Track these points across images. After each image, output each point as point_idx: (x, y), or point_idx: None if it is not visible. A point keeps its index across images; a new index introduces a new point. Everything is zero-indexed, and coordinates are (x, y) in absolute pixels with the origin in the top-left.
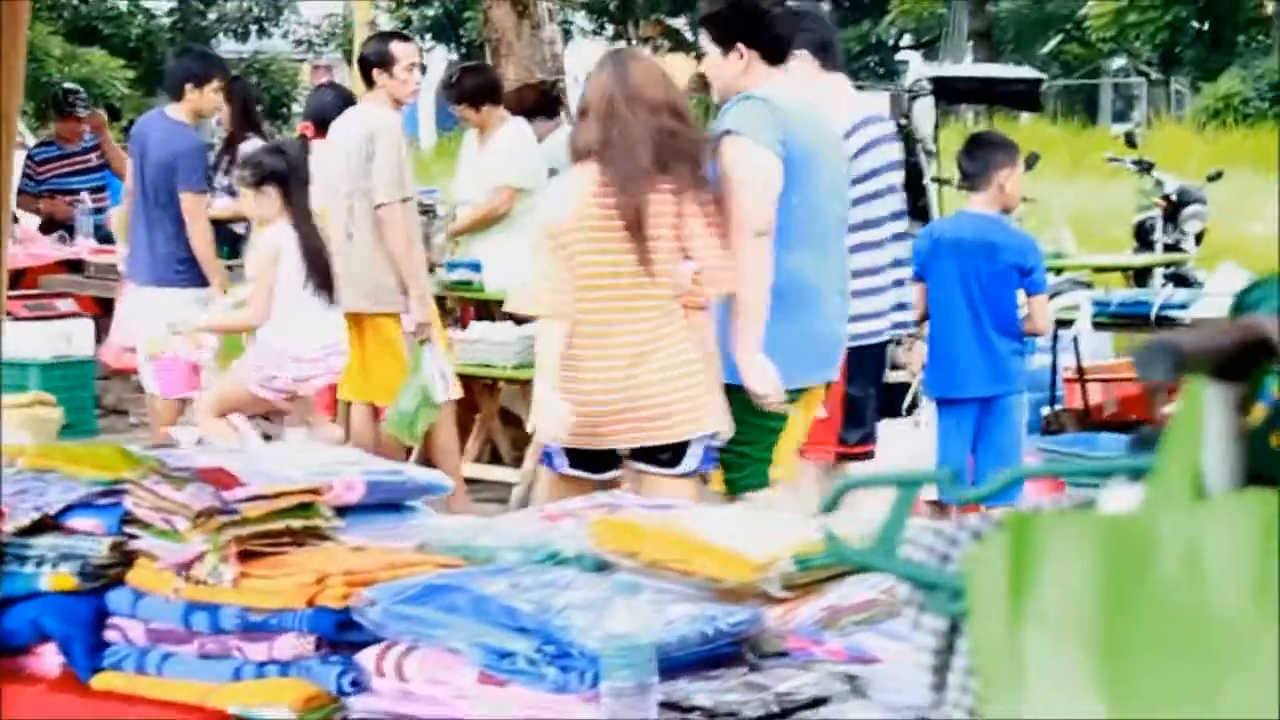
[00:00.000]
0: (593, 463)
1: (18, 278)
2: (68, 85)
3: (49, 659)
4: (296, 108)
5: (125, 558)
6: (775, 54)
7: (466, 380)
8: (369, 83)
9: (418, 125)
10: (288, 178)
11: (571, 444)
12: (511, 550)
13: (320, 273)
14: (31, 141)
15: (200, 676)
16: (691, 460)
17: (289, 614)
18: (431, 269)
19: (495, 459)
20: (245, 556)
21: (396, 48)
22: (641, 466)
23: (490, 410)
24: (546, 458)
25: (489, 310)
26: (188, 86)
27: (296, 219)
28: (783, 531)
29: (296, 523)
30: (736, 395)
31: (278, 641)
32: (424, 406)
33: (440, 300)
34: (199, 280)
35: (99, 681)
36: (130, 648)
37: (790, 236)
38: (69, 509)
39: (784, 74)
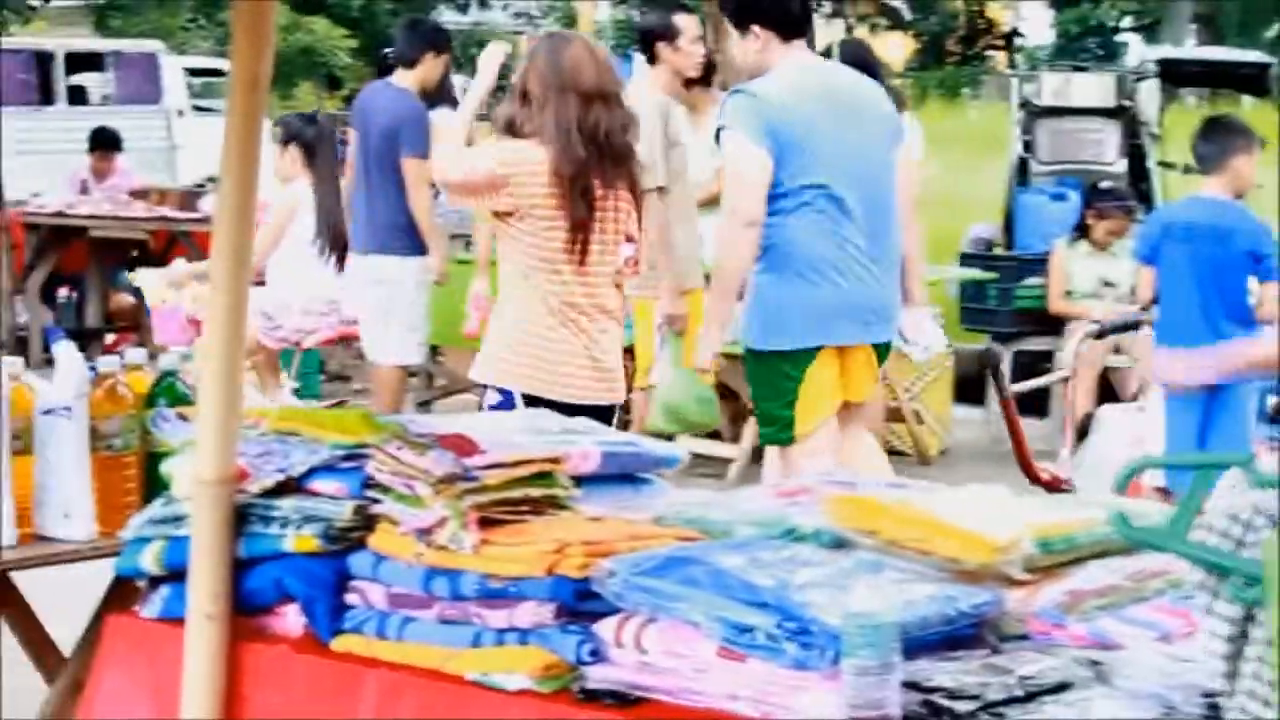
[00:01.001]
0: None
1: None
2: None
3: (291, 619)
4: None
5: (367, 521)
6: (789, 30)
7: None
8: (651, 57)
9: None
10: (312, 143)
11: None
12: (748, 525)
13: (331, 234)
14: None
15: (439, 642)
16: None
17: (529, 582)
18: None
19: (713, 434)
20: (484, 524)
21: (680, 19)
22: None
23: None
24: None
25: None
26: (424, 56)
27: (316, 181)
28: (1024, 513)
29: (536, 491)
30: (755, 357)
31: (517, 609)
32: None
33: None
34: (419, 248)
35: (339, 643)
36: (370, 611)
37: (798, 208)
38: (312, 471)
39: (801, 48)
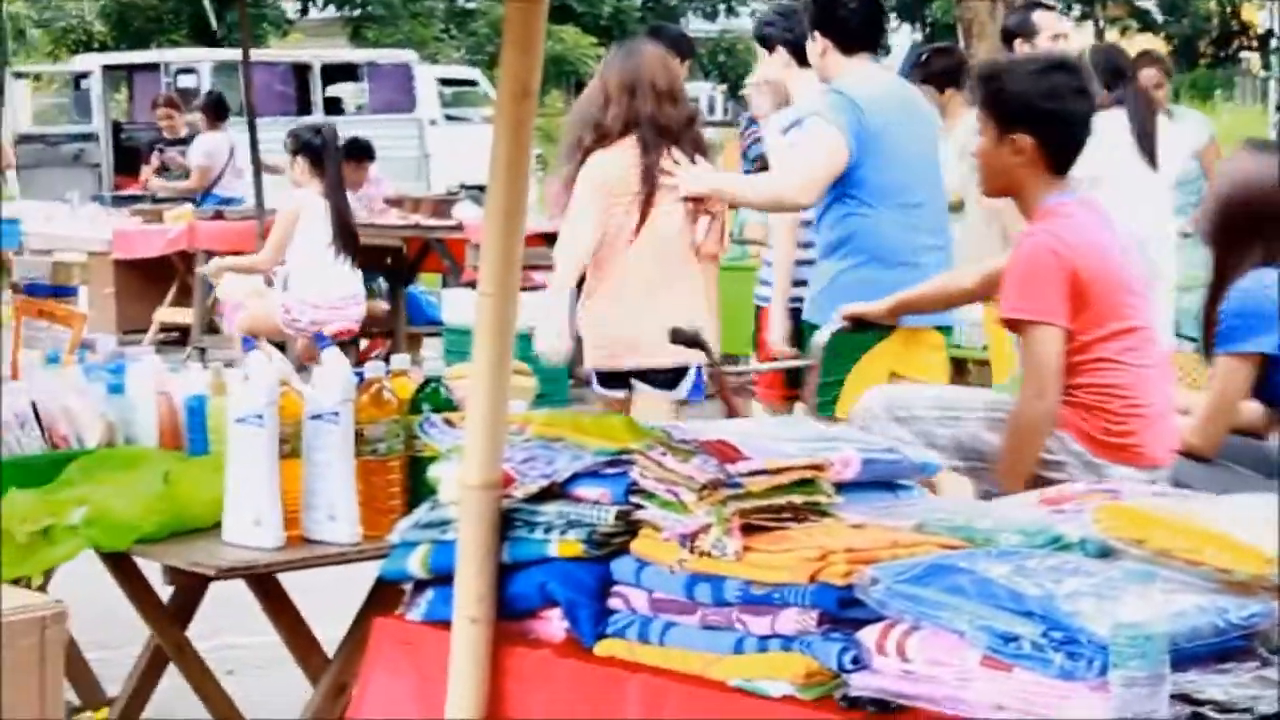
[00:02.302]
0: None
1: None
2: None
3: (554, 624)
4: None
5: (630, 527)
6: (849, 43)
7: None
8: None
9: None
10: (319, 152)
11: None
12: (1013, 533)
13: (345, 237)
14: None
15: (702, 647)
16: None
17: (792, 589)
18: None
19: None
20: (747, 530)
21: (1040, 17)
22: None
23: None
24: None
25: None
26: None
27: (327, 188)
28: None
29: (798, 498)
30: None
31: (780, 616)
32: None
33: None
34: None
35: (602, 648)
36: (633, 616)
37: (880, 202)
38: (576, 477)
39: (861, 62)
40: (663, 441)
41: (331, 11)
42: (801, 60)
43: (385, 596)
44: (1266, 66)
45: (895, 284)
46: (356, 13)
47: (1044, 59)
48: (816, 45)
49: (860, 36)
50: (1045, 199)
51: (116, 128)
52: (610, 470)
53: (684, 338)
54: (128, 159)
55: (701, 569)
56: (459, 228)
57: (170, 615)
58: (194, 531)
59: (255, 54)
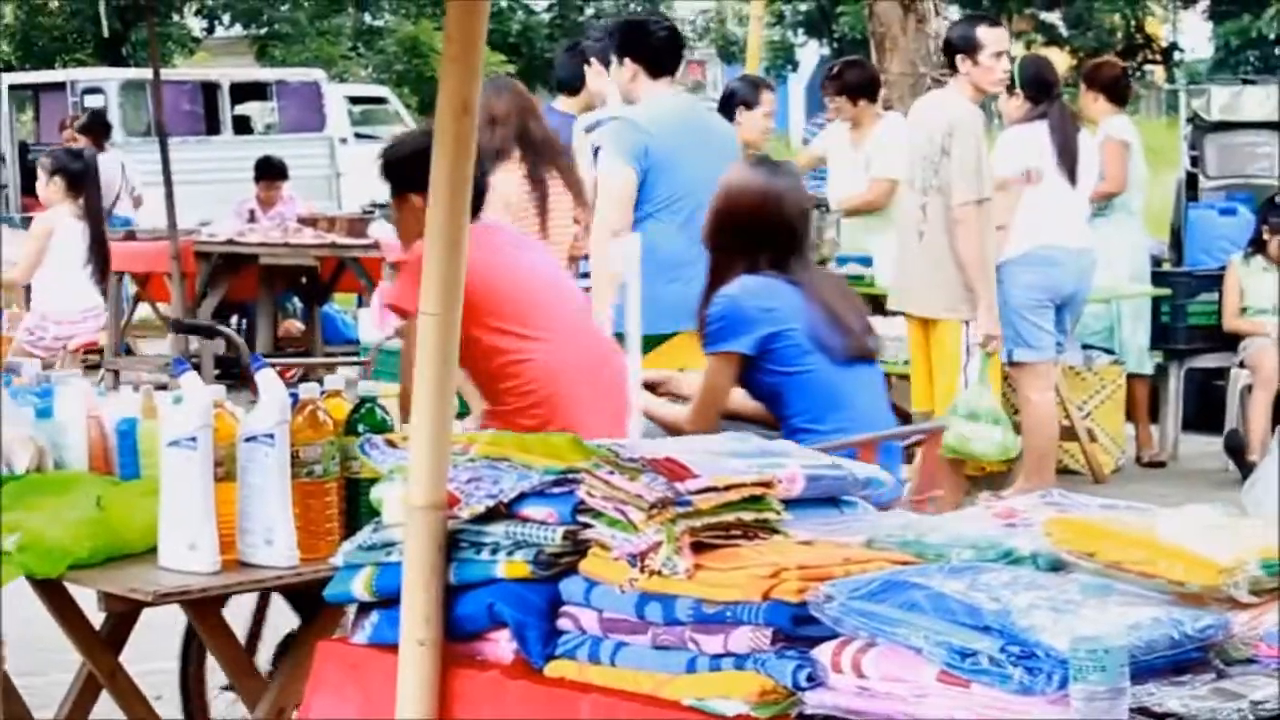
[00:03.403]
0: None
1: None
2: None
3: (503, 645)
4: None
5: (578, 546)
6: (655, 69)
7: None
8: (952, 67)
9: (787, 120)
10: (77, 175)
11: None
12: (964, 548)
13: (100, 258)
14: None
15: (654, 667)
16: None
17: (744, 607)
18: (824, 262)
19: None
20: (697, 548)
21: (983, 32)
22: None
23: None
24: None
25: (880, 306)
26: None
27: (84, 210)
28: (1246, 534)
29: (748, 515)
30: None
31: (733, 634)
32: (995, 423)
33: None
34: None
35: (552, 669)
36: (583, 636)
37: (665, 216)
38: (523, 497)
39: (664, 85)
40: (610, 460)
41: (237, 30)
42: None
43: (323, 620)
44: (1171, 79)
45: (671, 295)
46: (263, 31)
47: (424, 131)
48: (626, 70)
49: (666, 63)
50: None
51: (23, 148)
52: (557, 489)
53: (184, 327)
54: (34, 180)
55: (652, 588)
56: (375, 246)
57: (103, 642)
58: (127, 556)
59: (164, 73)
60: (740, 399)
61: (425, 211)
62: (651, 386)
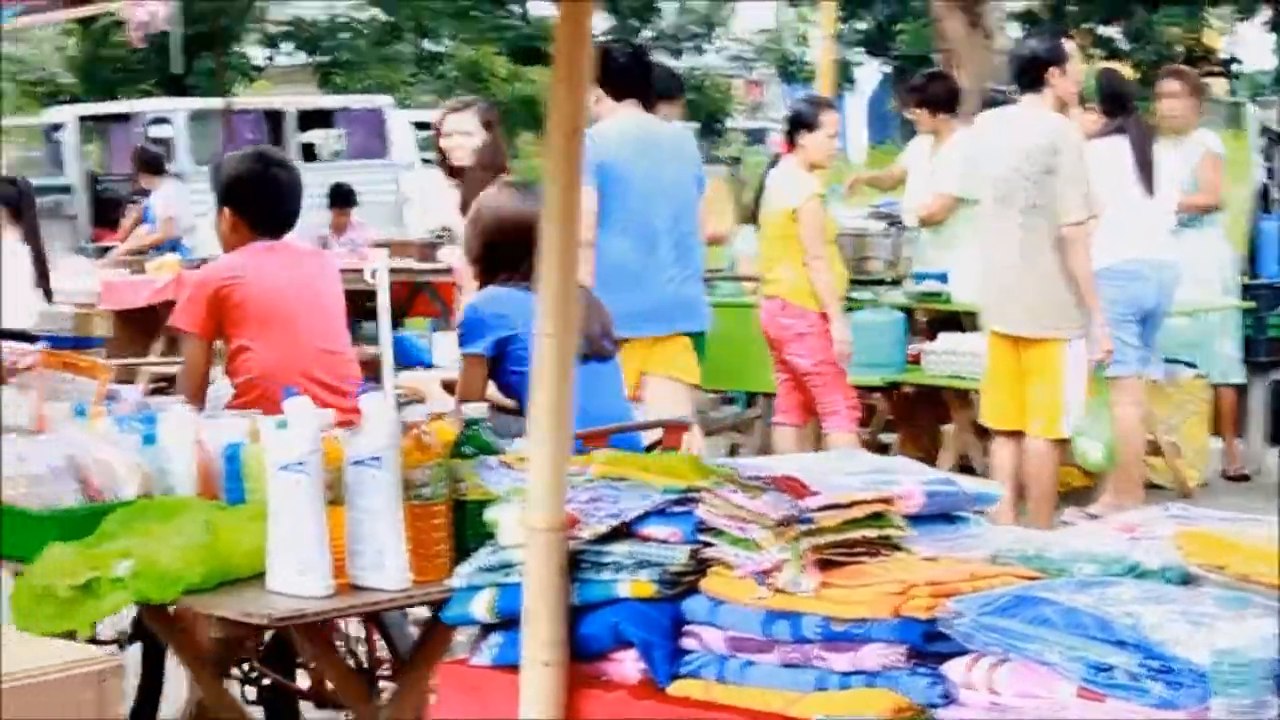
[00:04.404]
0: None
1: None
2: None
3: (627, 665)
4: (730, 123)
5: (700, 565)
6: (619, 92)
7: (935, 391)
8: (1027, 82)
9: (846, 138)
10: (17, 203)
11: None
12: (1087, 562)
13: (43, 280)
14: None
15: (782, 685)
16: None
17: (874, 624)
18: (899, 280)
19: (967, 470)
20: (821, 565)
21: (1068, 44)
22: None
23: (963, 422)
24: None
25: (957, 321)
26: (657, 104)
27: (25, 234)
28: None
29: (871, 532)
30: None
31: (862, 651)
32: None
33: (908, 311)
34: None
35: (677, 688)
36: (709, 655)
37: (618, 229)
38: (644, 516)
39: (629, 107)
40: (731, 479)
41: (300, 58)
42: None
43: (433, 642)
44: (1233, 92)
45: (627, 304)
46: (325, 59)
47: (251, 153)
48: (590, 93)
49: (627, 86)
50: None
51: (93, 179)
52: (678, 508)
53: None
54: (104, 210)
55: (778, 606)
56: (448, 271)
57: (213, 667)
58: (236, 581)
59: (231, 102)
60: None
61: (232, 228)
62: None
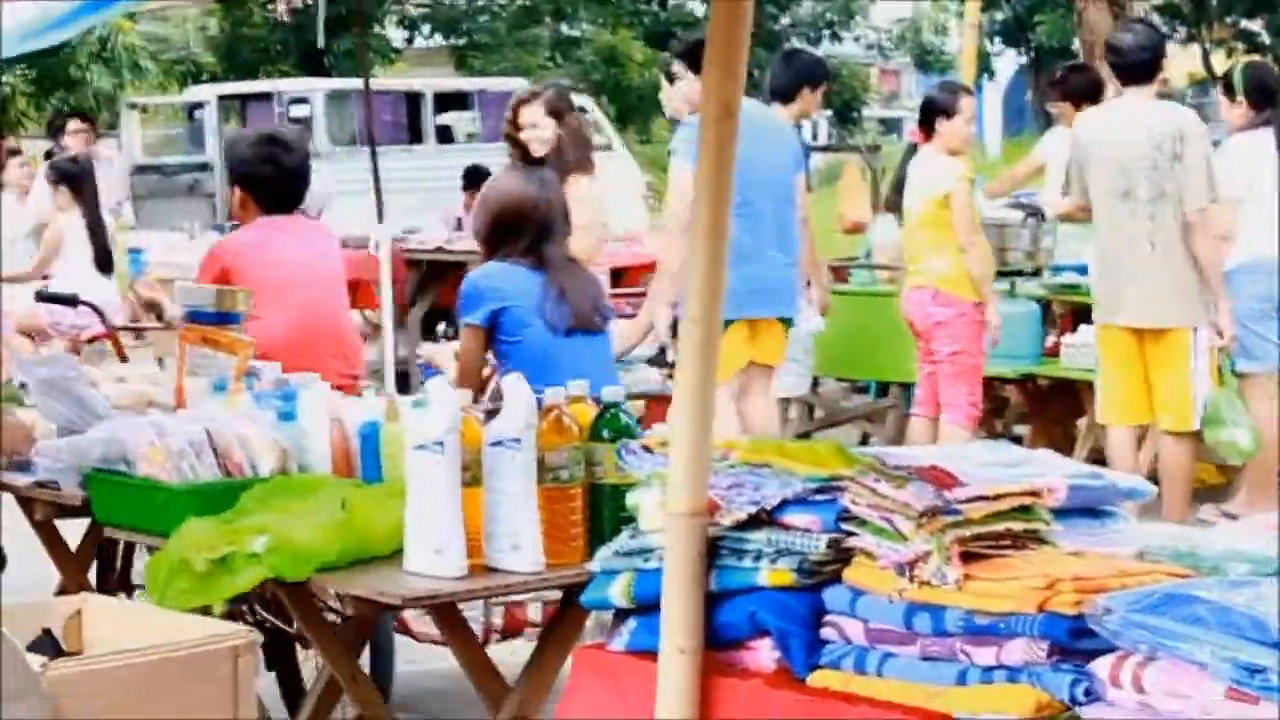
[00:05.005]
0: None
1: (618, 276)
2: None
3: (764, 654)
4: (867, 111)
5: (842, 555)
6: None
7: (1070, 385)
8: (1145, 76)
9: (983, 130)
10: (79, 181)
11: None
12: (1240, 561)
13: (103, 253)
14: None
15: (923, 679)
16: None
17: (1018, 619)
18: (1038, 271)
19: (1099, 465)
20: (966, 558)
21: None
22: None
23: (1096, 415)
24: None
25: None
26: (802, 90)
27: (86, 213)
28: None
29: (1017, 525)
30: None
31: (1006, 646)
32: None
33: (1045, 303)
34: None
35: (816, 679)
36: (848, 646)
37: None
38: (785, 504)
39: None
40: (875, 468)
41: (438, 41)
42: None
43: (565, 625)
44: None
45: (733, 281)
46: (462, 42)
47: (259, 135)
48: (694, 83)
49: None
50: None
51: None
52: (820, 497)
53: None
54: None
55: (921, 598)
56: None
57: (343, 645)
58: (371, 560)
59: (363, 82)
60: None
61: (242, 205)
62: None
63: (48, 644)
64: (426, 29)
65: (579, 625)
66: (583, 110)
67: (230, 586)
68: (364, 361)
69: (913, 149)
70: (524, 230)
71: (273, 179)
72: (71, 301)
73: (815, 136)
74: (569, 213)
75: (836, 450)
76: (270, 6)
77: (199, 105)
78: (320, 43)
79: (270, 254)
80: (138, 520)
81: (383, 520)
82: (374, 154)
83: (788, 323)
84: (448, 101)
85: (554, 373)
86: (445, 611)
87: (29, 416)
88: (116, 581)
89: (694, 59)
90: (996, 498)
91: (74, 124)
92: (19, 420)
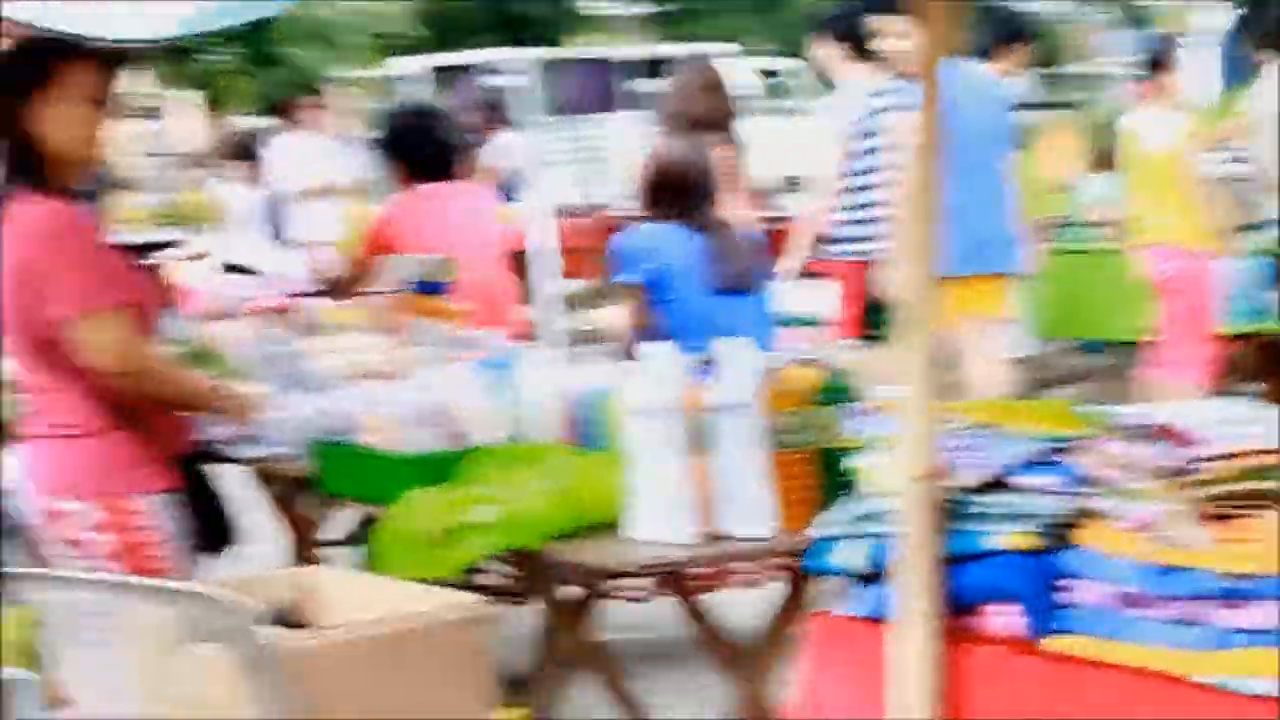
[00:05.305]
0: None
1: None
2: None
3: (1003, 619)
4: (1073, 68)
5: (1079, 516)
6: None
7: None
8: None
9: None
10: (252, 153)
11: None
12: None
13: (281, 226)
14: None
15: (1170, 643)
16: None
17: (1267, 580)
18: (1258, 226)
19: None
20: (1210, 519)
21: None
22: None
23: None
24: None
25: None
26: (1008, 46)
27: (256, 181)
28: None
29: (1263, 484)
30: None
31: (1259, 608)
32: None
33: (1276, 257)
34: None
35: (1056, 643)
36: (1090, 610)
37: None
38: (1019, 466)
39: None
40: (1109, 428)
41: (644, 7)
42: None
43: (798, 591)
44: None
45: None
46: (672, 7)
47: (409, 108)
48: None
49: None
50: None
51: None
52: (1055, 458)
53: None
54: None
55: (1167, 560)
56: (787, 219)
57: (574, 614)
58: (597, 528)
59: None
60: None
61: (394, 174)
62: None
63: (281, 616)
64: None
65: (809, 592)
66: (772, 74)
67: (463, 556)
68: (519, 324)
69: (1126, 107)
70: (679, 192)
71: (419, 149)
72: (255, 272)
73: (1021, 93)
74: (719, 176)
75: (1065, 410)
76: None
77: (405, 78)
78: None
79: (420, 218)
80: (363, 490)
81: (608, 488)
82: (577, 123)
83: (1007, 279)
84: (653, 69)
85: (709, 331)
86: (675, 578)
87: (250, 389)
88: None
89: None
90: (1238, 456)
91: (306, 100)
92: (241, 393)
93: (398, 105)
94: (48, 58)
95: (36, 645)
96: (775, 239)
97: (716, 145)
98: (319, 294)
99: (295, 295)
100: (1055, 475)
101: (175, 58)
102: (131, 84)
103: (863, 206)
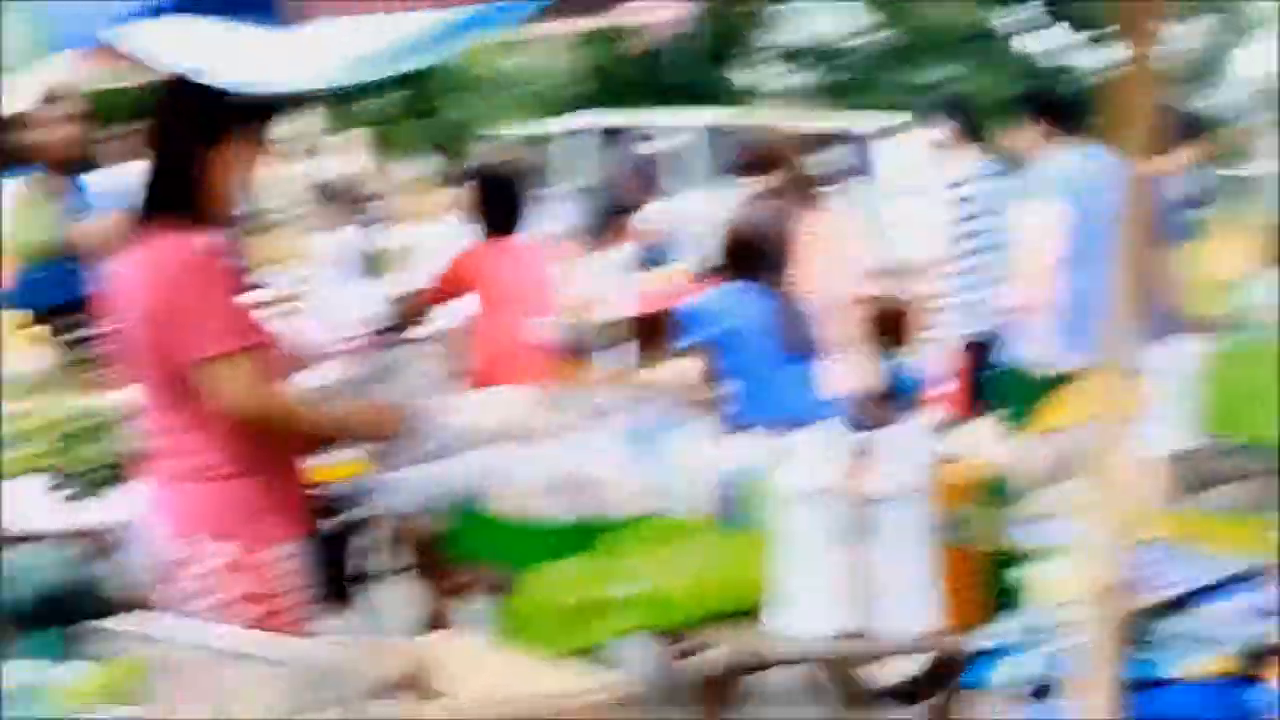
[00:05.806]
0: None
1: None
2: None
3: None
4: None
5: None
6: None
7: None
8: None
9: None
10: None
11: None
12: None
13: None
14: None
15: None
16: None
17: None
18: None
19: None
20: None
21: None
22: None
23: None
24: None
25: None
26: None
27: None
28: None
29: None
30: None
31: None
32: None
33: None
34: None
35: None
36: None
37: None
38: (1210, 589)
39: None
40: None
41: (808, 78)
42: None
43: (951, 694)
44: None
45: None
46: (839, 79)
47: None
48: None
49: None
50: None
51: (597, 189)
52: (1248, 582)
53: None
54: (607, 220)
55: None
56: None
57: (712, 698)
58: (741, 612)
59: (740, 117)
60: None
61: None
62: None
63: (404, 683)
64: (794, 66)
65: (961, 696)
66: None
67: (600, 631)
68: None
69: None
70: (755, 256)
71: (487, 206)
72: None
73: (1193, 189)
74: (795, 244)
75: (1262, 530)
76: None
77: (546, 139)
78: (689, 77)
79: (487, 271)
80: (498, 555)
81: (755, 571)
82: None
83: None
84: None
85: (772, 393)
86: (834, 668)
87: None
88: None
89: (1050, 110)
90: None
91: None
92: (384, 405)
93: (478, 164)
94: (220, 103)
95: (144, 697)
96: (885, 316)
97: (802, 213)
98: (389, 329)
99: (377, 333)
100: (1247, 600)
101: (338, 101)
102: (295, 125)
103: (976, 285)
